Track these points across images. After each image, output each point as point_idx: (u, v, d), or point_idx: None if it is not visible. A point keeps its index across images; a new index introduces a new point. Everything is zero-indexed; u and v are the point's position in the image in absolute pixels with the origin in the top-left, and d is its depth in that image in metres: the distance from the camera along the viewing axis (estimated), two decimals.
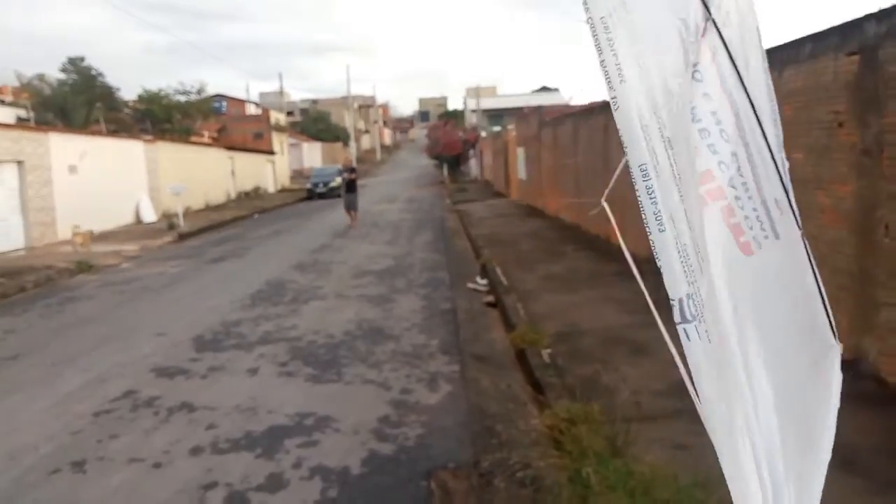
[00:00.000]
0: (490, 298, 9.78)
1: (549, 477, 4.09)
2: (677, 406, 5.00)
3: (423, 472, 4.42)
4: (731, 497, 3.55)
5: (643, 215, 1.10)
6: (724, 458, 0.73)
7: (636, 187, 1.10)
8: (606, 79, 1.08)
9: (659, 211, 1.03)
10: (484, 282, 10.89)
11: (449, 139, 44.75)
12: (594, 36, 1.07)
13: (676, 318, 0.76)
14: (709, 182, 1.01)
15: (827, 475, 3.80)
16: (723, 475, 3.50)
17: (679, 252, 0.90)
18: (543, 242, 14.31)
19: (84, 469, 4.71)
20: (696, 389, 0.75)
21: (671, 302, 0.80)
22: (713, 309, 0.78)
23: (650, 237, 0.99)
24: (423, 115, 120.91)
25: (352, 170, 21.05)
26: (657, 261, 0.92)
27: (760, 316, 0.79)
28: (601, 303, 8.46)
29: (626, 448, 4.12)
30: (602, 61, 1.06)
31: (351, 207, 20.51)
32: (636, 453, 4.09)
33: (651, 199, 1.05)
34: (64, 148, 20.12)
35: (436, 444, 4.86)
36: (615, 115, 1.12)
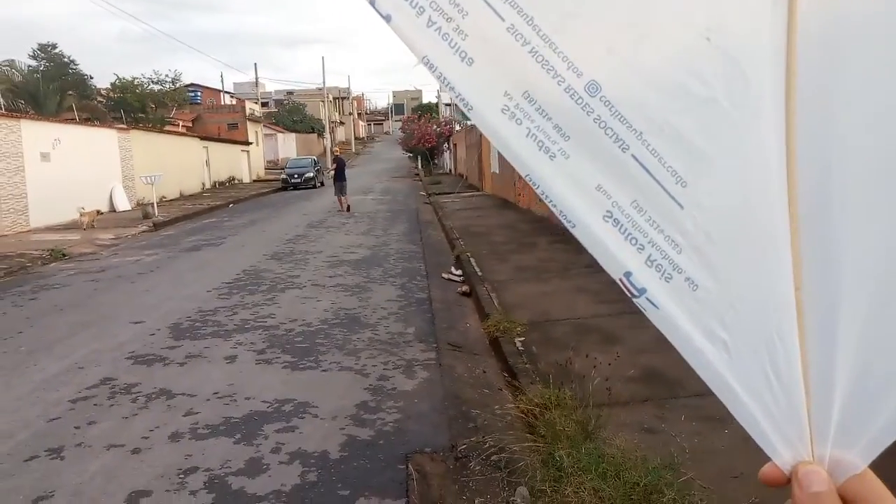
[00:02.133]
0: (464, 288, 9.89)
1: (524, 460, 4.21)
2: (646, 392, 5.17)
3: (401, 456, 4.53)
4: (695, 480, 3.66)
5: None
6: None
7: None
8: None
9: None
10: (458, 272, 11.01)
11: (423, 132, 44.70)
12: None
13: (630, 294, 0.61)
14: None
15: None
16: (689, 457, 3.63)
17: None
18: (516, 234, 14.45)
19: (62, 455, 4.73)
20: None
21: (618, 281, 0.62)
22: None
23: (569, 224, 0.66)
24: (398, 108, 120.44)
25: (339, 159, 23.49)
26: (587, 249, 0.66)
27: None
28: (573, 293, 8.61)
29: (598, 432, 4.26)
30: None
31: (341, 193, 22.36)
32: (607, 437, 4.23)
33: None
34: (36, 135, 19.83)
35: (413, 429, 4.96)
36: None
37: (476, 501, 3.96)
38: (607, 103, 0.60)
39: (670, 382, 5.35)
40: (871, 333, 0.55)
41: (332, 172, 23.46)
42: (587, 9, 0.60)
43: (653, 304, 0.60)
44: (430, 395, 5.64)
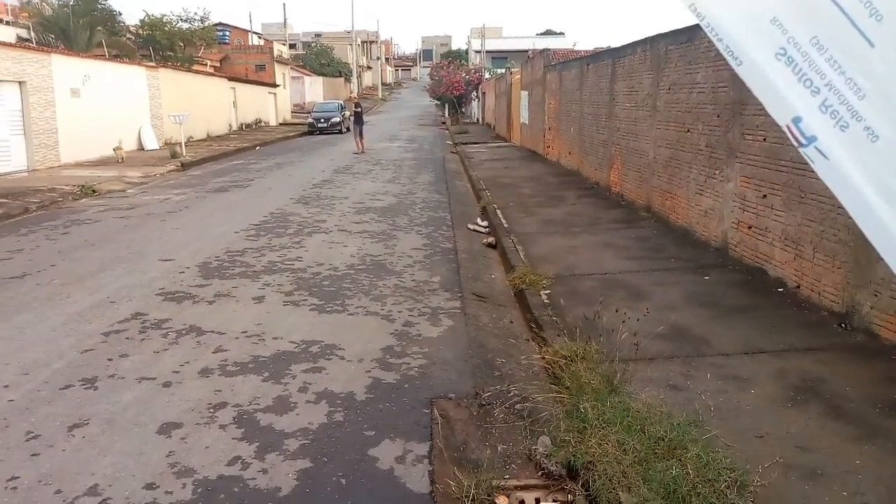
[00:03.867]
0: (490, 240, 9.88)
1: (547, 410, 4.25)
2: (672, 349, 5.16)
3: (426, 400, 4.59)
4: (719, 438, 3.67)
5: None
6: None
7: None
8: None
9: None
10: (484, 223, 10.98)
11: (452, 79, 44.10)
12: None
13: (797, 142, 0.56)
14: None
15: (816, 422, 3.98)
16: (714, 415, 3.64)
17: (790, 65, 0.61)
18: (544, 187, 14.33)
19: (95, 386, 4.86)
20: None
21: (784, 127, 0.58)
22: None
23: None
24: (426, 54, 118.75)
25: (359, 105, 26.64)
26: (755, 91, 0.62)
27: None
28: (600, 248, 8.56)
29: (623, 386, 4.28)
30: None
31: (359, 136, 24.69)
32: (632, 391, 4.24)
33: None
34: (66, 70, 19.87)
35: (437, 375, 5.02)
36: None
37: (499, 448, 4.02)
38: None
39: (696, 340, 5.34)
40: None
41: (353, 117, 26.64)
42: None
43: (822, 153, 0.55)
44: (455, 342, 5.68)
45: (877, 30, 0.50)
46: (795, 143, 0.56)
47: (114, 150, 20.67)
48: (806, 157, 0.57)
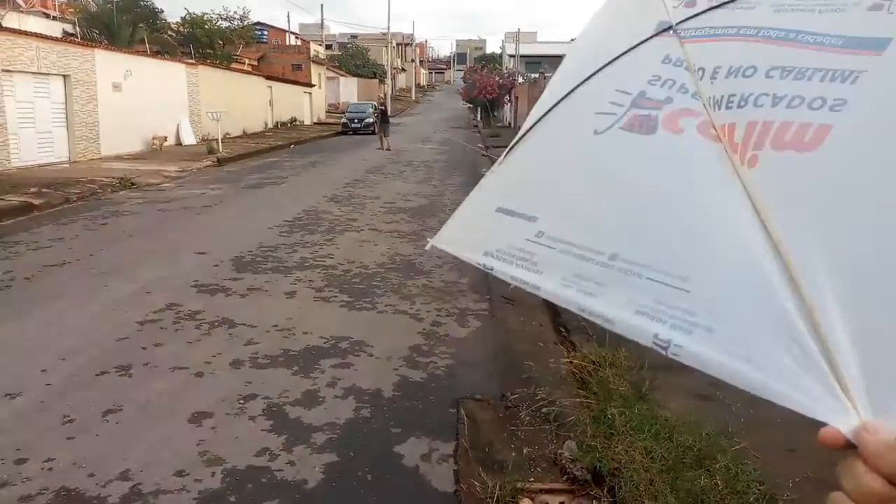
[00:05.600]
0: None
1: (574, 415, 4.25)
2: None
3: (452, 400, 4.61)
4: (749, 450, 3.63)
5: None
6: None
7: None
8: None
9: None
10: None
11: (485, 83, 44.08)
12: None
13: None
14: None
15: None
16: (743, 426, 3.60)
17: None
18: None
19: (130, 373, 4.96)
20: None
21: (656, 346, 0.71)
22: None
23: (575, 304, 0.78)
24: (460, 57, 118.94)
25: (383, 104, 31.36)
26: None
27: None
28: None
29: (651, 394, 4.25)
30: None
31: (384, 133, 26.71)
32: (660, 399, 4.22)
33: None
34: (109, 65, 20.30)
35: (464, 375, 5.04)
36: None
37: (524, 450, 4.02)
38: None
39: None
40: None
41: (379, 117, 29.09)
42: None
43: (679, 347, 0.65)
44: (483, 344, 5.69)
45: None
46: (660, 350, 0.69)
47: (153, 138, 22.03)
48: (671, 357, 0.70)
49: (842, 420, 0.55)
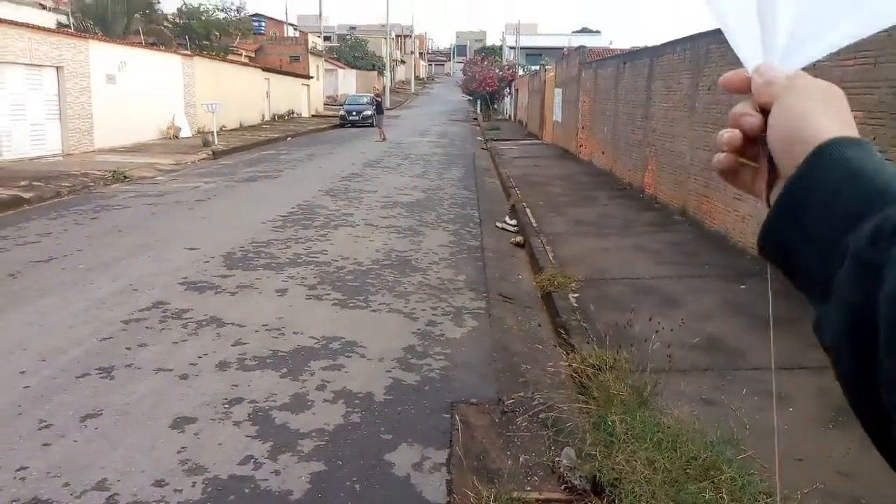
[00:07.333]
0: (518, 239, 9.69)
1: (573, 421, 4.07)
2: (706, 361, 4.94)
3: (446, 404, 4.44)
4: (756, 459, 3.44)
5: None
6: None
7: None
8: None
9: None
10: (513, 222, 10.79)
11: (486, 75, 43.83)
12: None
13: None
14: None
15: (859, 447, 3.68)
16: (750, 434, 3.41)
17: None
18: (575, 186, 14.09)
19: (112, 375, 4.78)
20: None
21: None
22: None
23: None
24: (460, 49, 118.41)
25: (379, 95, 31.99)
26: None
27: None
28: (632, 251, 8.33)
29: (654, 399, 4.08)
30: None
31: (379, 124, 27.59)
32: (663, 405, 4.04)
33: None
34: (103, 56, 20.05)
35: (459, 378, 4.86)
36: None
37: (521, 458, 3.85)
38: None
39: (732, 353, 5.11)
40: None
41: (375, 107, 30.20)
42: None
43: None
44: (479, 344, 5.52)
45: None
46: None
47: (167, 128, 23.73)
48: None
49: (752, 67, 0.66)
